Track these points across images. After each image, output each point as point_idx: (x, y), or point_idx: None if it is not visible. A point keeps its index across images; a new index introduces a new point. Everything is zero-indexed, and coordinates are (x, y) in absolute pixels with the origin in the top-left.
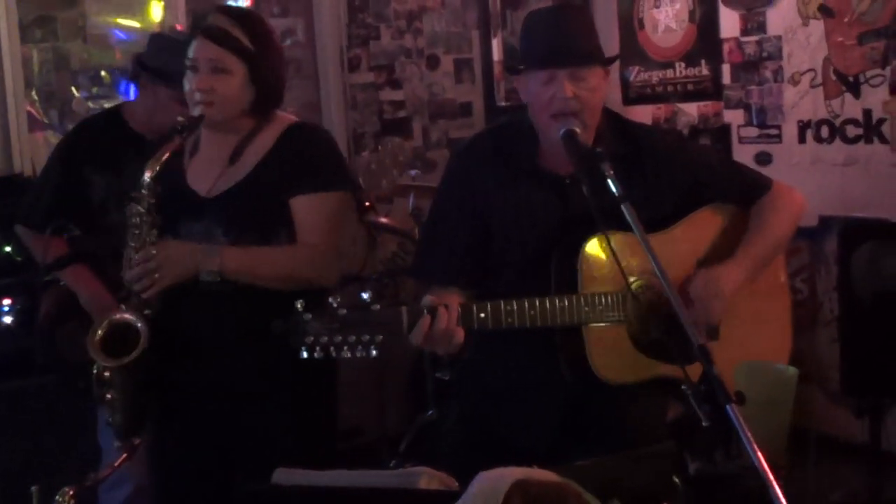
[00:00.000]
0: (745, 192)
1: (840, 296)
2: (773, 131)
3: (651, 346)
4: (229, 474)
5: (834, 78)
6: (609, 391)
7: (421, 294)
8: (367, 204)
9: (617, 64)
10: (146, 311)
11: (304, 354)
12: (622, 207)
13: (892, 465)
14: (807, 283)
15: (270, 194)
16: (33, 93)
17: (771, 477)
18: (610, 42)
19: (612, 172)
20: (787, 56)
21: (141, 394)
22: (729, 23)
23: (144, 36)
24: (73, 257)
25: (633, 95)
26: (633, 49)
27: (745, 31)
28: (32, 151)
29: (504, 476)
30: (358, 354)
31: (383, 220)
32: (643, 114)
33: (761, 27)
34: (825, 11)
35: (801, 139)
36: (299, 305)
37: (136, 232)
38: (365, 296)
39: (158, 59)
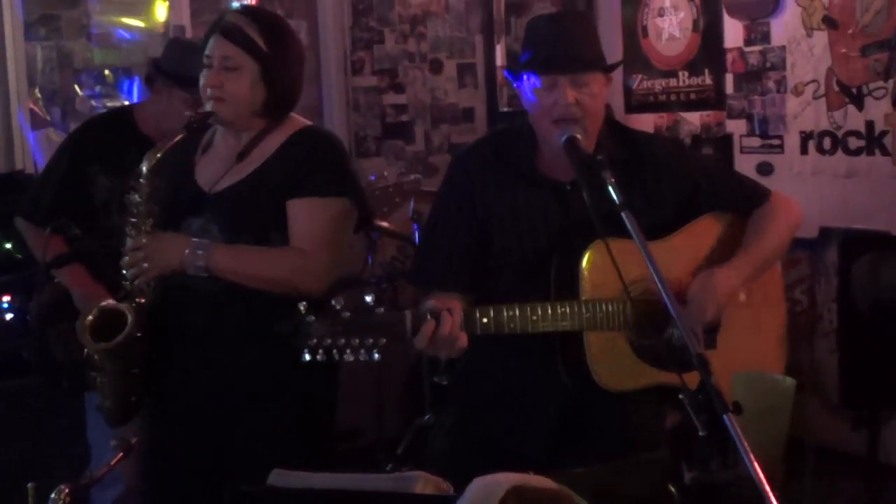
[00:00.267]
0: (744, 201)
1: (839, 307)
2: (776, 142)
3: (650, 354)
4: (224, 475)
5: (837, 89)
6: (608, 398)
7: (420, 299)
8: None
9: (620, 71)
10: (139, 300)
11: (308, 357)
12: (623, 215)
13: (889, 477)
14: (806, 293)
15: (270, 195)
16: (36, 91)
17: (767, 487)
18: (613, 49)
19: (613, 180)
20: (791, 67)
21: (130, 379)
22: (732, 32)
23: (148, 35)
24: (72, 256)
25: (635, 103)
26: (636, 57)
27: (748, 41)
28: (35, 149)
29: (500, 481)
30: (361, 357)
31: (383, 223)
32: (645, 122)
33: (765, 37)
34: (829, 23)
35: (804, 150)
36: (303, 307)
37: (133, 220)
38: (368, 299)
39: (175, 61)
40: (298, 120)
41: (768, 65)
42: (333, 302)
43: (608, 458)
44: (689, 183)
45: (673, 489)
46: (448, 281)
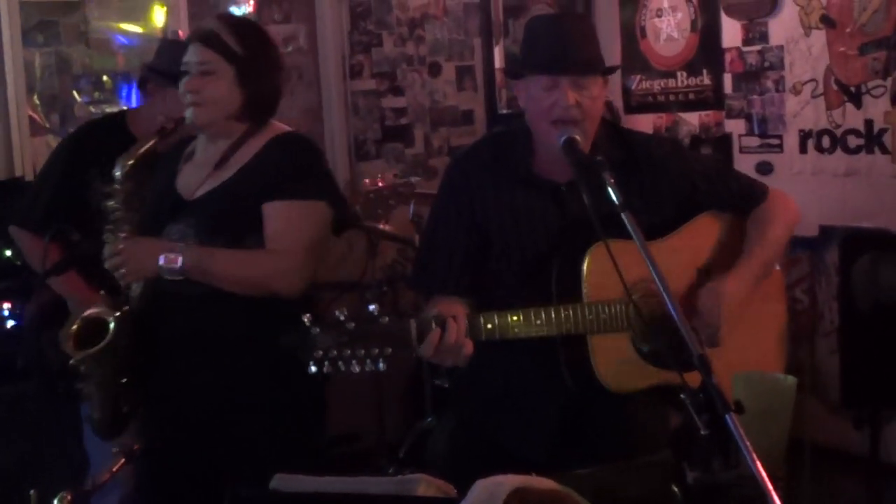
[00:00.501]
0: (742, 199)
1: (840, 306)
2: (775, 141)
3: (653, 354)
4: (217, 479)
5: (835, 88)
6: (610, 399)
7: (421, 303)
8: (356, 218)
9: (618, 72)
10: (124, 308)
11: (314, 369)
12: (623, 216)
13: (890, 477)
14: (807, 293)
15: (247, 201)
16: (35, 97)
17: (769, 487)
18: (612, 50)
19: (612, 181)
20: (789, 66)
21: (118, 389)
22: (731, 32)
23: (147, 41)
24: (70, 263)
25: (634, 104)
26: (634, 58)
27: (746, 41)
28: (34, 156)
29: (502, 483)
30: (367, 368)
31: (383, 227)
32: (644, 123)
33: (763, 37)
34: (827, 22)
35: (803, 149)
36: (307, 319)
37: (110, 227)
38: (371, 308)
39: (166, 60)
40: (278, 126)
41: (767, 64)
42: (337, 313)
43: (610, 459)
44: (686, 183)
45: (676, 490)
46: (448, 285)
